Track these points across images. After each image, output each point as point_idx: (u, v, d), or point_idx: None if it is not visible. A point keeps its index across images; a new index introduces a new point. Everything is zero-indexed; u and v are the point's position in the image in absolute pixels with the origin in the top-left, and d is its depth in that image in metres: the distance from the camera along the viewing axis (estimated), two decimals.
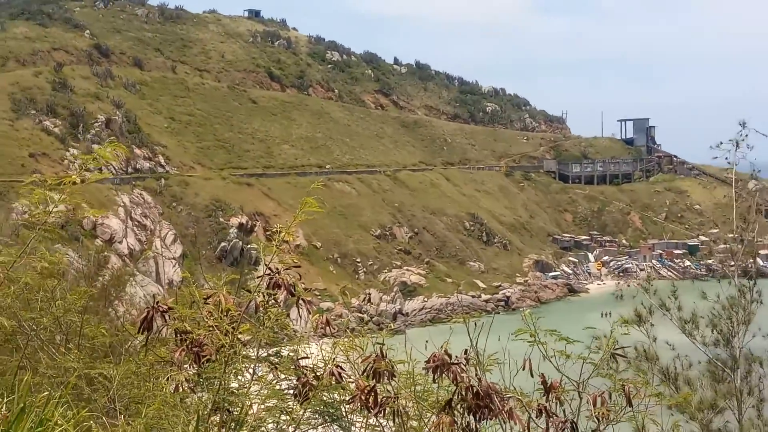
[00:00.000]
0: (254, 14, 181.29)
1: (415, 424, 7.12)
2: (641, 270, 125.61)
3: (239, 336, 7.13)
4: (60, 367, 8.33)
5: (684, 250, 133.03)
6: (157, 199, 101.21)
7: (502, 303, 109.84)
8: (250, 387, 7.16)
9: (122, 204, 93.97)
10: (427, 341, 7.45)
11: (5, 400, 7.10)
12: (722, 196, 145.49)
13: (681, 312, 12.50)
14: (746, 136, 14.12)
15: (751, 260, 12.72)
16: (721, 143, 13.45)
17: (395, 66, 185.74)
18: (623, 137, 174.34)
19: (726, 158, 13.19)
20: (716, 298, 12.75)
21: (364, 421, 7.15)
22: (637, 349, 11.74)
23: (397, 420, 7.09)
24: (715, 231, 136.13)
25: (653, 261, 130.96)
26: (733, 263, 12.67)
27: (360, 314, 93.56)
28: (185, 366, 7.26)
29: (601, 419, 7.04)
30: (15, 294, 8.22)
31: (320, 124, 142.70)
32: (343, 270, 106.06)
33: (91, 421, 7.18)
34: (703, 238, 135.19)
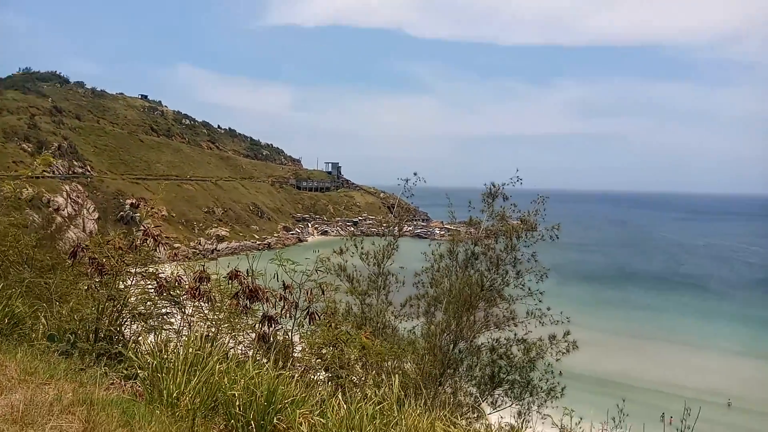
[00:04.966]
0: (144, 96, 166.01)
1: (219, 305, 6.85)
2: (333, 233, 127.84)
3: (125, 260, 6.55)
4: (19, 277, 7.34)
5: (351, 223, 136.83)
6: (86, 188, 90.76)
7: (267, 246, 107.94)
8: (130, 287, 6.60)
9: (65, 189, 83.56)
10: (228, 264, 7.18)
11: None
12: (372, 200, 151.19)
13: (362, 249, 12.74)
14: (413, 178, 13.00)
15: (397, 229, 13.21)
16: (404, 180, 12.60)
17: (219, 128, 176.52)
18: (328, 170, 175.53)
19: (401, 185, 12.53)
20: (377, 247, 12.98)
21: (192, 304, 6.80)
22: (339, 265, 11.91)
23: (210, 303, 6.83)
24: (365, 215, 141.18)
25: (338, 228, 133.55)
26: (388, 231, 13.11)
27: (194, 250, 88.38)
28: (93, 276, 6.63)
29: (310, 301, 7.11)
30: None
31: (177, 155, 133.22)
32: (186, 228, 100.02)
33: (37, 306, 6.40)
34: (359, 218, 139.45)
